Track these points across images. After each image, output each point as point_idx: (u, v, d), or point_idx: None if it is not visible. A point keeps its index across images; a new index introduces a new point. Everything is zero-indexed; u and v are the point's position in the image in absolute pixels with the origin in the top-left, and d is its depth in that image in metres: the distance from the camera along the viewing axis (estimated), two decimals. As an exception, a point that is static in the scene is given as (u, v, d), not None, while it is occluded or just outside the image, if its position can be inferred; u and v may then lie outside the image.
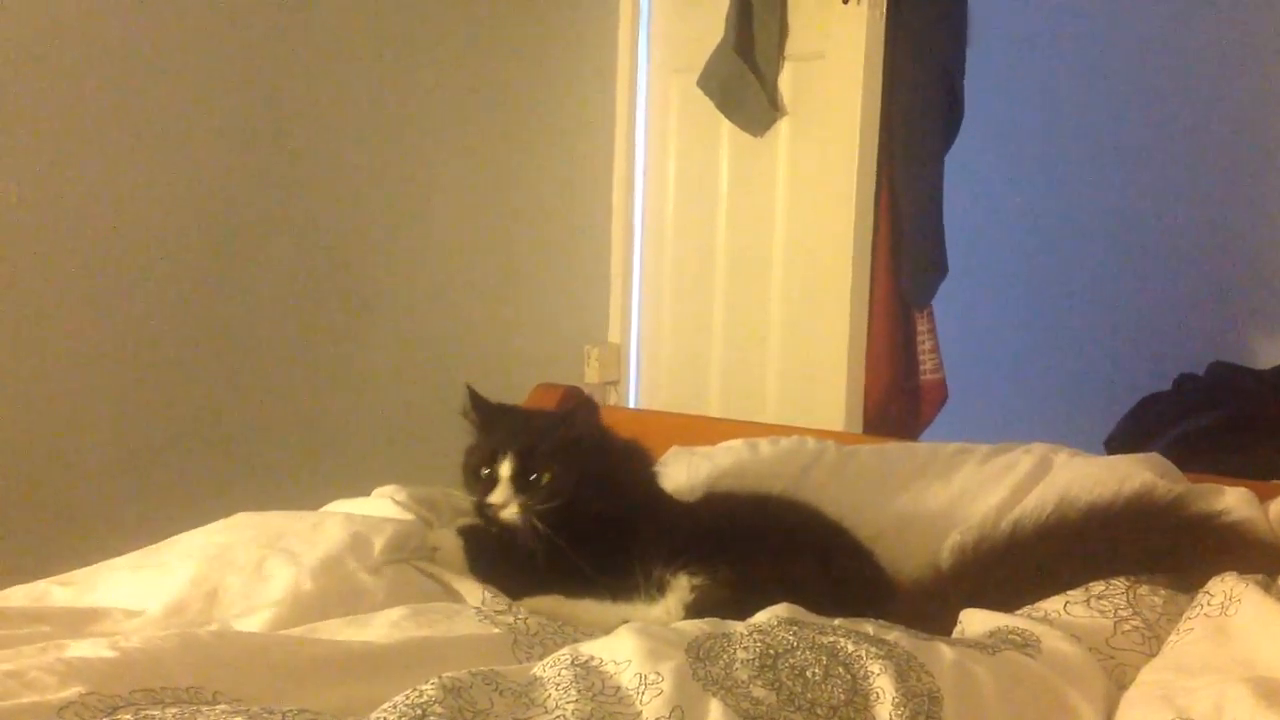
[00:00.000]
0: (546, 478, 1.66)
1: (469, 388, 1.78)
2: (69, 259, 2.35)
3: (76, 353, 2.38)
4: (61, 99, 2.31)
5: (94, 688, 1.04)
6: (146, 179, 2.45)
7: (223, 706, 1.01)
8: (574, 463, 1.67)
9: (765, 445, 2.14)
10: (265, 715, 1.00)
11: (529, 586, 1.62)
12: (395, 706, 1.03)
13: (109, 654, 1.11)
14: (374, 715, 1.01)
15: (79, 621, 1.37)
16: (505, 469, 1.66)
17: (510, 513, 1.64)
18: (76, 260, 2.36)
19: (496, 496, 1.65)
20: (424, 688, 1.06)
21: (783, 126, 3.05)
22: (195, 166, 2.53)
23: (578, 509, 1.64)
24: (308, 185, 2.76)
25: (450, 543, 1.69)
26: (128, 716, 0.95)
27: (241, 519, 1.64)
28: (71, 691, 1.03)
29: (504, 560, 1.66)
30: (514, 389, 2.33)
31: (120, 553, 1.55)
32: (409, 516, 1.72)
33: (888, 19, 2.88)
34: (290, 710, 1.03)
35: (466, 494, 1.74)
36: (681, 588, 1.54)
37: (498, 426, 1.75)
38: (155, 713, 0.97)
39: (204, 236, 2.56)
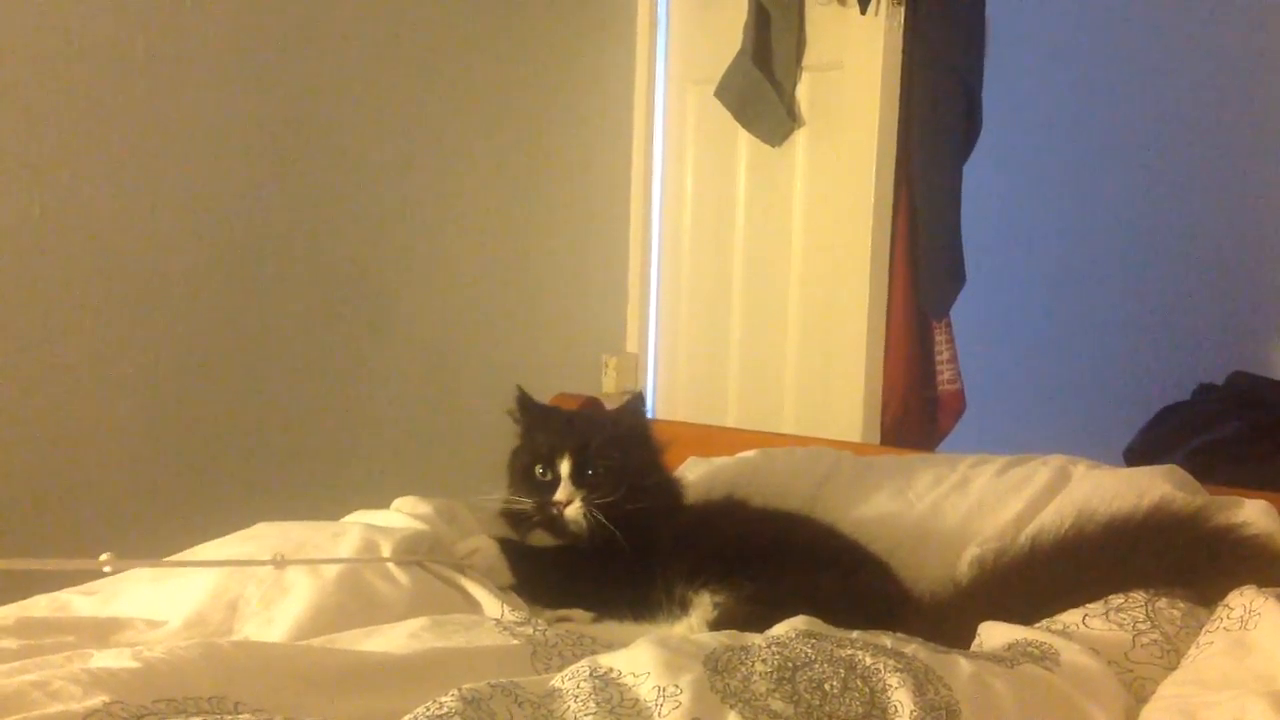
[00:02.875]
0: (603, 472, 1.70)
1: (519, 388, 1.84)
2: (90, 272, 2.37)
3: (97, 364, 2.39)
4: (82, 115, 2.33)
5: (118, 697, 1.04)
6: (166, 190, 2.47)
7: (245, 717, 1.02)
8: (627, 457, 1.74)
9: (782, 455, 2.14)
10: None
11: (562, 599, 1.64)
12: (416, 718, 1.03)
13: (132, 664, 1.12)
14: None
15: (102, 631, 1.38)
16: (565, 467, 1.71)
17: (575, 509, 1.69)
18: (97, 273, 2.37)
19: (561, 494, 1.70)
20: (444, 699, 1.07)
21: (800, 137, 3.06)
22: (214, 177, 2.54)
23: (627, 503, 1.68)
24: (328, 197, 2.77)
25: (489, 548, 1.70)
26: None
27: (261, 529, 1.65)
28: (96, 701, 1.04)
29: (543, 570, 1.69)
30: (533, 396, 2.34)
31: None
32: (425, 527, 1.73)
33: (905, 29, 2.88)
34: (312, 721, 1.04)
35: (513, 495, 1.77)
36: (704, 605, 1.56)
37: (547, 427, 1.79)
38: (178, 723, 0.98)
39: (224, 248, 2.57)
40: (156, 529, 1.76)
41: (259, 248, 2.63)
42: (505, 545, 1.71)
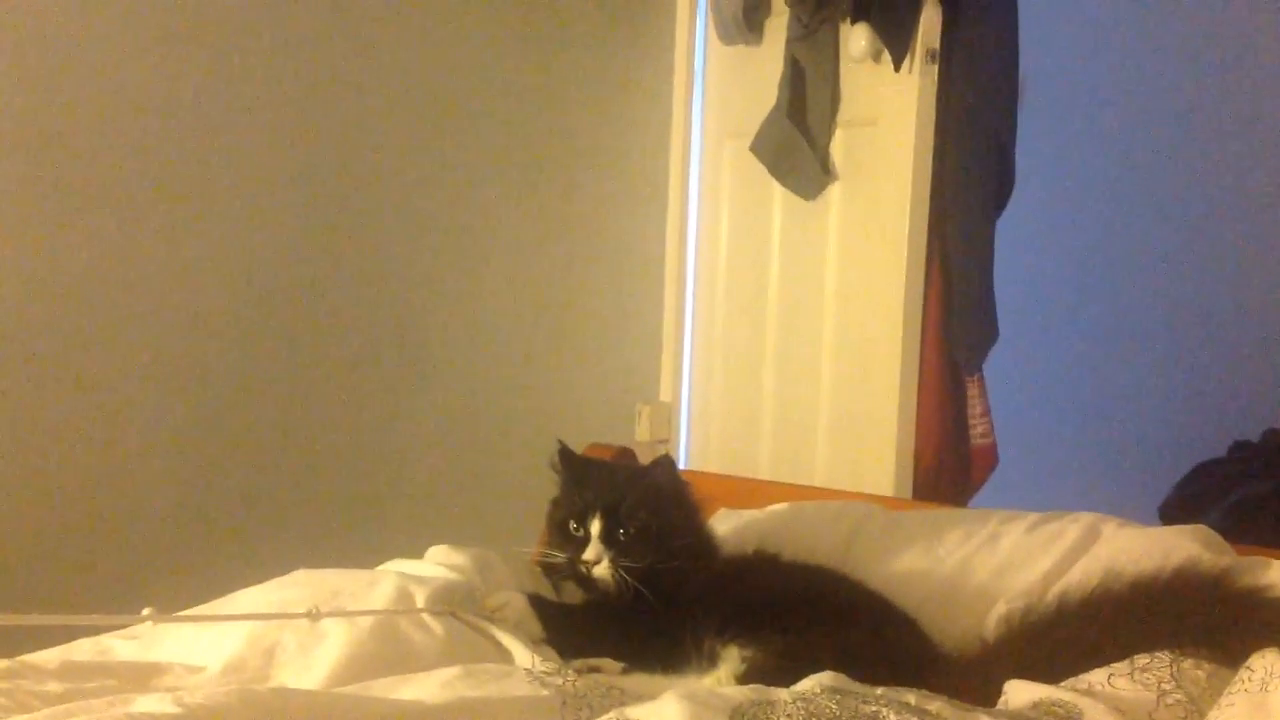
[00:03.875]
0: (633, 532, 1.74)
1: (560, 442, 1.87)
2: (131, 313, 2.42)
3: (137, 407, 2.45)
4: (127, 156, 2.40)
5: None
6: (211, 237, 2.53)
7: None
8: (656, 518, 1.76)
9: (812, 509, 2.16)
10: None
11: (591, 651, 1.66)
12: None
13: (173, 710, 1.15)
14: None
15: (143, 676, 1.42)
16: (595, 526, 1.74)
17: (603, 569, 1.72)
18: (138, 314, 2.43)
19: (590, 554, 1.73)
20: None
21: (834, 191, 3.09)
22: (255, 224, 2.60)
23: (658, 563, 1.71)
24: (369, 246, 2.82)
25: (518, 603, 1.73)
26: None
27: (298, 576, 1.68)
28: None
29: (572, 624, 1.72)
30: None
31: (181, 607, 1.60)
32: (459, 577, 1.76)
33: (939, 87, 2.91)
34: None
35: (549, 548, 1.81)
36: (733, 658, 1.57)
37: (585, 481, 1.82)
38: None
39: (264, 293, 2.62)
40: (195, 572, 1.80)
41: (299, 294, 2.69)
42: (534, 600, 1.74)
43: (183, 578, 1.75)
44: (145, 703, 1.19)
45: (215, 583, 1.69)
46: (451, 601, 1.64)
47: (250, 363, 2.61)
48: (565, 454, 1.87)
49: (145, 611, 1.35)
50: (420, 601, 1.60)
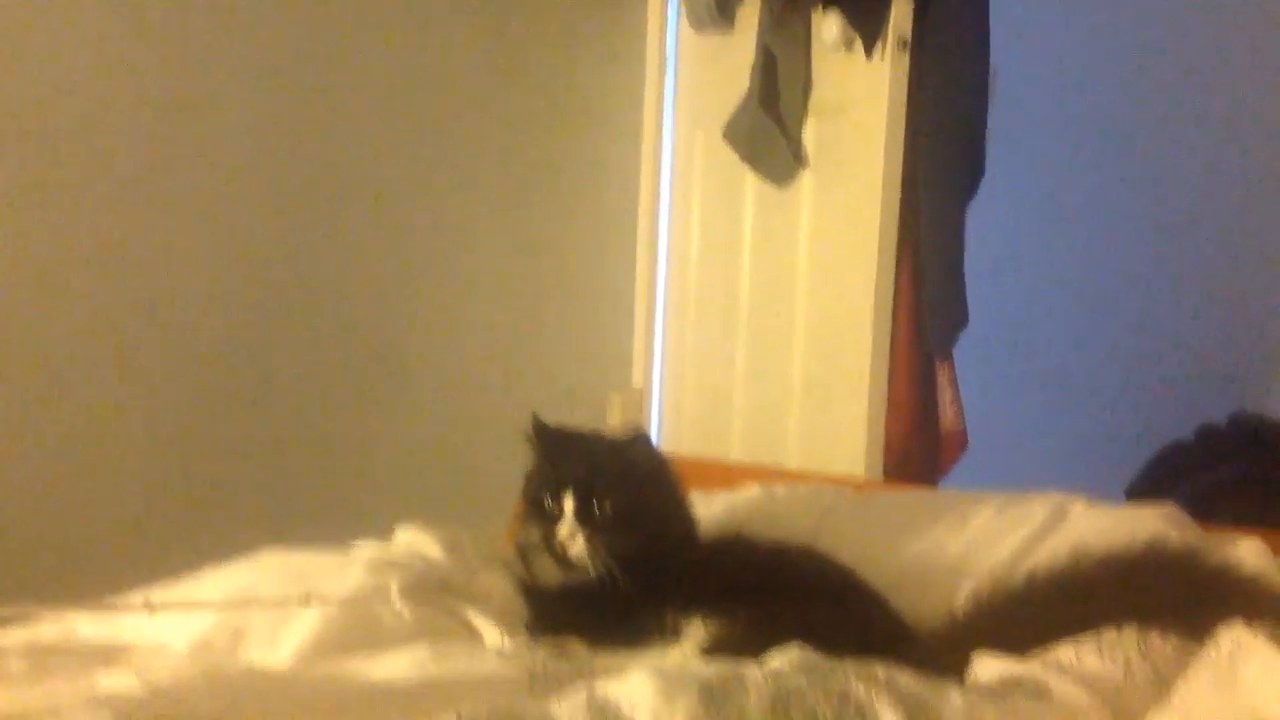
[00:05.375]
0: (610, 510, 1.68)
1: (534, 415, 1.80)
2: (106, 293, 2.41)
3: (109, 385, 2.43)
4: (103, 135, 2.38)
5: (121, 718, 1.06)
6: (183, 215, 2.52)
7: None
8: (635, 495, 1.70)
9: (783, 491, 2.16)
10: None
11: (562, 630, 1.65)
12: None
13: (137, 688, 1.14)
14: None
15: (108, 656, 1.40)
16: (569, 502, 1.68)
17: (578, 546, 1.67)
18: (113, 294, 2.42)
19: (564, 531, 1.68)
20: (444, 724, 1.08)
21: (806, 178, 3.09)
22: (229, 206, 2.59)
23: (634, 541, 1.67)
24: (342, 229, 2.81)
25: (503, 586, 1.72)
26: None
27: (267, 556, 1.67)
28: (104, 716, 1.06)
29: (547, 605, 1.70)
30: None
31: (148, 585, 1.59)
32: (433, 556, 1.75)
33: (910, 74, 2.92)
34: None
35: (523, 525, 1.77)
36: (696, 631, 1.56)
37: (559, 455, 1.76)
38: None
39: (238, 274, 2.61)
40: (162, 550, 1.79)
41: (272, 276, 2.67)
42: (518, 582, 1.72)
43: (150, 557, 1.73)
44: (109, 681, 1.18)
45: (183, 562, 1.67)
46: (427, 584, 1.62)
47: (221, 342, 2.60)
48: (539, 426, 1.81)
49: (143, 600, 1.34)
50: (396, 584, 1.59)
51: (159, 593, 1.58)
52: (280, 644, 1.44)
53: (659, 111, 3.45)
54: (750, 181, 3.18)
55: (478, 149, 3.09)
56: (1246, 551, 1.67)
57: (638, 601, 1.62)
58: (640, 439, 1.83)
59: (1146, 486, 3.18)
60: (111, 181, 2.40)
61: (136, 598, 1.55)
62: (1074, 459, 3.03)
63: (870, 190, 2.95)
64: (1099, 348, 3.91)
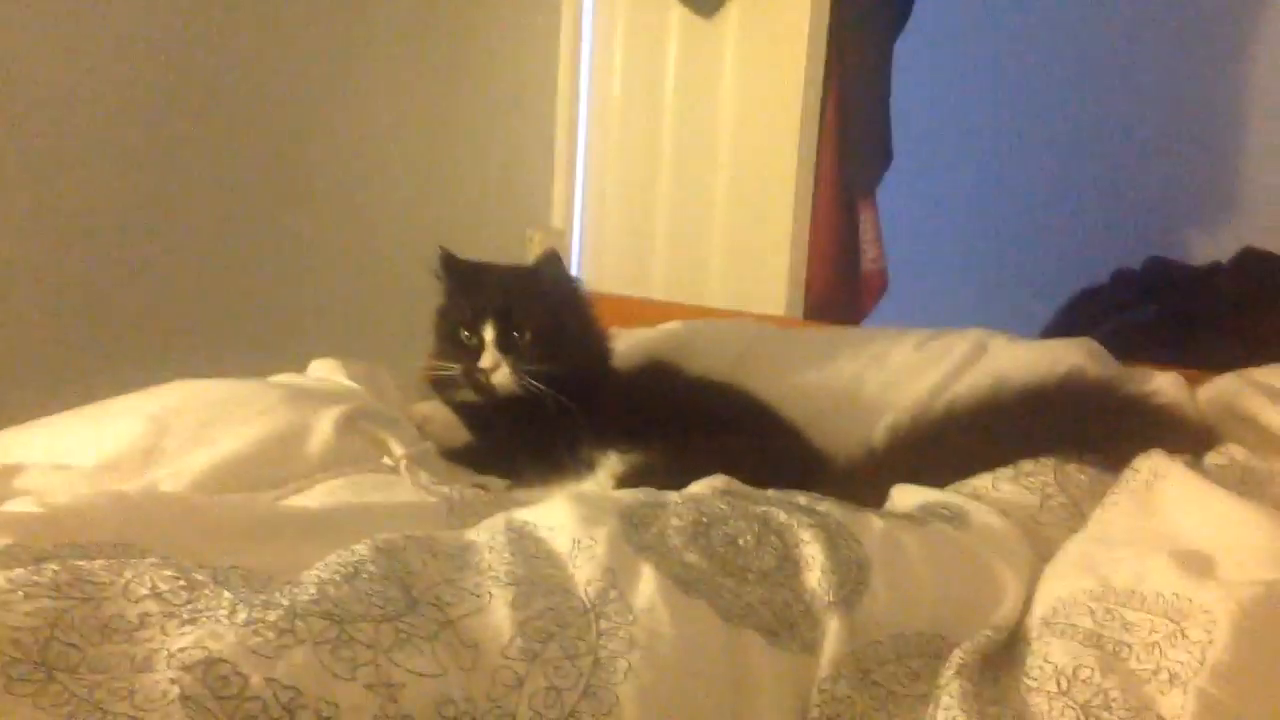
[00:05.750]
0: (529, 335, 1.67)
1: (441, 249, 1.78)
2: (4, 123, 2.29)
3: (12, 220, 2.33)
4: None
5: (19, 540, 1.02)
6: (86, 46, 2.38)
7: (152, 559, 1.00)
8: (552, 318, 1.70)
9: (703, 327, 2.15)
10: (195, 570, 0.99)
11: (479, 464, 1.64)
12: (328, 565, 1.02)
13: (36, 510, 1.10)
14: (307, 574, 1.01)
15: (6, 474, 1.35)
16: (489, 332, 1.67)
17: (502, 375, 1.67)
18: (11, 125, 2.30)
19: (487, 361, 1.67)
20: (356, 548, 1.05)
21: (732, 9, 3.01)
22: (133, 41, 2.46)
23: (556, 366, 1.65)
24: (249, 63, 2.69)
25: (443, 415, 1.69)
26: (54, 566, 0.94)
27: (182, 385, 1.61)
28: None
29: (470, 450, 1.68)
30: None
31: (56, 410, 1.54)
32: (352, 386, 1.72)
33: (841, -99, 2.84)
34: (221, 567, 1.02)
35: (439, 360, 1.74)
36: (612, 463, 1.55)
37: (472, 286, 1.74)
38: (83, 564, 0.96)
39: (142, 106, 2.49)
40: (72, 383, 1.72)
41: (177, 108, 2.56)
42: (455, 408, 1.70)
43: (57, 390, 1.67)
44: (6, 505, 1.13)
45: (91, 395, 1.61)
46: (352, 415, 1.58)
47: (127, 177, 2.49)
48: (448, 259, 1.78)
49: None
50: (330, 414, 1.54)
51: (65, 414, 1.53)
52: (192, 469, 1.39)
53: (581, -63, 3.32)
54: (676, 11, 3.09)
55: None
56: (1163, 383, 1.69)
57: (556, 431, 1.61)
58: (551, 259, 1.81)
59: (1062, 328, 3.21)
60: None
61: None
62: (992, 301, 3.03)
63: (797, 24, 2.88)
64: (1019, 193, 3.92)
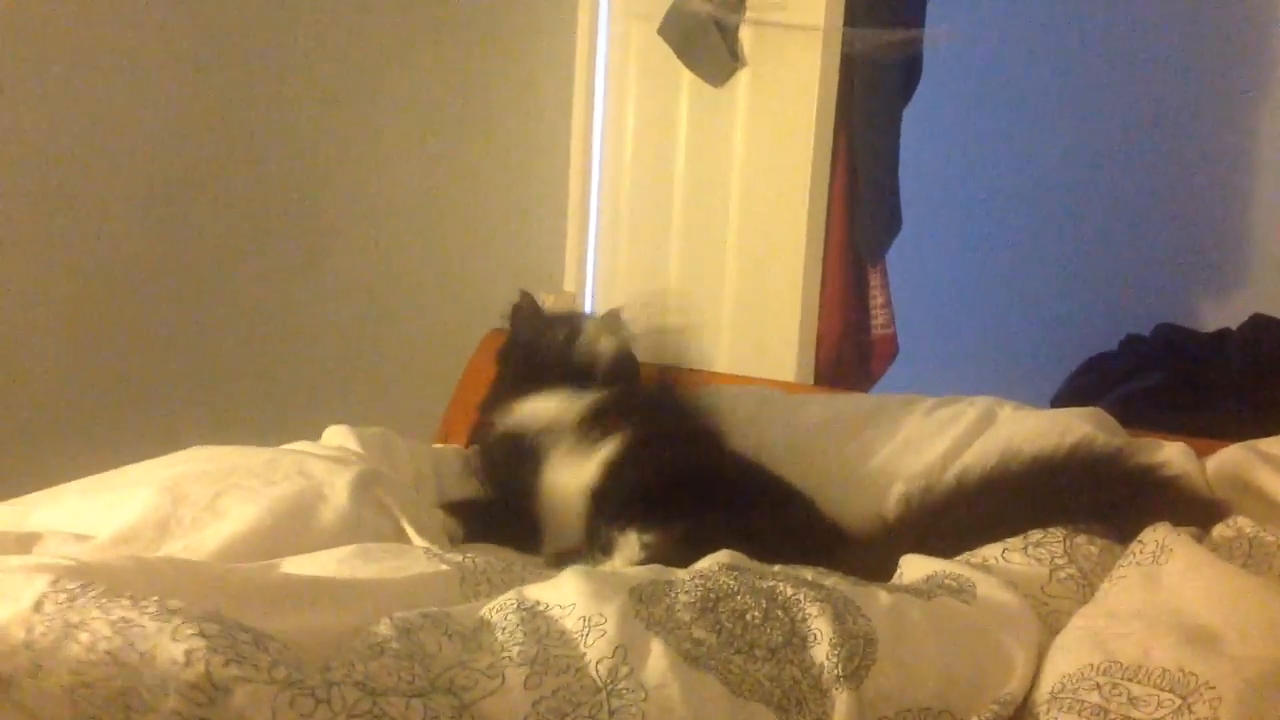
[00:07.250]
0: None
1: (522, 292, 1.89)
2: (21, 193, 2.32)
3: (25, 286, 2.36)
4: (15, 37, 2.28)
5: (59, 577, 1.05)
6: (101, 116, 2.42)
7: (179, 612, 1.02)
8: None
9: (711, 394, 2.15)
10: (224, 630, 1.00)
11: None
12: (355, 649, 1.05)
13: (67, 562, 1.12)
14: (338, 659, 1.03)
15: (24, 543, 1.37)
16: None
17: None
18: (29, 195, 2.33)
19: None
20: (378, 629, 1.08)
21: (742, 78, 3.04)
22: (148, 104, 2.50)
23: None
24: (263, 128, 2.73)
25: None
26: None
27: (195, 452, 1.63)
28: (41, 583, 1.03)
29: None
30: (466, 334, 2.34)
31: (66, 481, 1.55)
32: (360, 451, 1.73)
33: (849, -28, 2.88)
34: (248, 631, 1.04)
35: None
36: (631, 545, 1.56)
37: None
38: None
39: (157, 172, 2.53)
40: (85, 450, 1.74)
41: (192, 168, 2.60)
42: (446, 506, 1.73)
43: (72, 456, 1.69)
44: (37, 556, 1.15)
45: (106, 463, 1.63)
46: (369, 484, 1.60)
47: (142, 244, 2.53)
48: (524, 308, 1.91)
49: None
50: (344, 483, 1.55)
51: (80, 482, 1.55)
52: (206, 539, 1.41)
53: (594, 5, 3.37)
54: (687, 80, 3.13)
55: (406, 41, 3.01)
56: (1172, 454, 1.70)
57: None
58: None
59: (1072, 395, 3.22)
60: (18, 82, 2.30)
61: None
62: (1003, 368, 3.06)
63: (807, 91, 2.91)
64: (1030, 259, 3.93)
